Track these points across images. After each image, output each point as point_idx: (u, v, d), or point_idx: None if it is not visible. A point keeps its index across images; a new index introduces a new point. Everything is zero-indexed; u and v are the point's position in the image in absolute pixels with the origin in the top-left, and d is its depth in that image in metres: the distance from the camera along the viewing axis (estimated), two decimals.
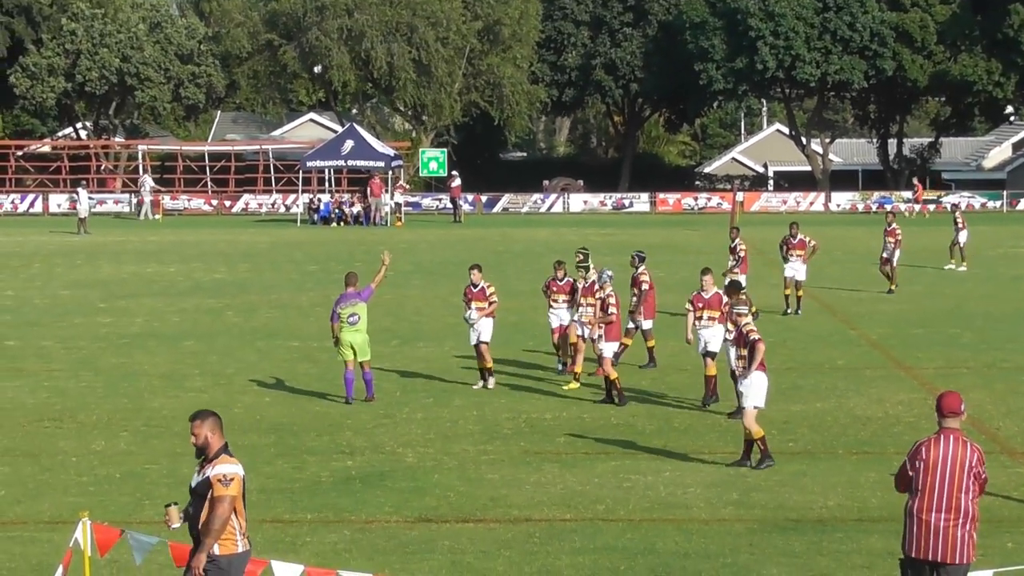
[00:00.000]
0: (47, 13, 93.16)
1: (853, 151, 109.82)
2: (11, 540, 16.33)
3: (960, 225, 48.19)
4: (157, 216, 79.69)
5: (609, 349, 24.57)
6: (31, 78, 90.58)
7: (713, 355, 24.28)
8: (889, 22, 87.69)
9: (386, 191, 74.72)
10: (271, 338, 32.51)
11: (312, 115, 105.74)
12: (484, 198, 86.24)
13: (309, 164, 76.71)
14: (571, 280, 27.06)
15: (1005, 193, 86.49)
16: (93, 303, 39.32)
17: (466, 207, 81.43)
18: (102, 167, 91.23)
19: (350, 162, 75.89)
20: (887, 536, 15.56)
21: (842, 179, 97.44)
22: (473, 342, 26.17)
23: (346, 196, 76.94)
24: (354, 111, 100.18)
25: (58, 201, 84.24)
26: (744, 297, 22.11)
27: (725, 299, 24.13)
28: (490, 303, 25.99)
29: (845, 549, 15.85)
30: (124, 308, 38.07)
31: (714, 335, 24.32)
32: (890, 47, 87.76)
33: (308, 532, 16.66)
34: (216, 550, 11.30)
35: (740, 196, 76.48)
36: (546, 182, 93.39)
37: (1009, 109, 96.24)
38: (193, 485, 11.54)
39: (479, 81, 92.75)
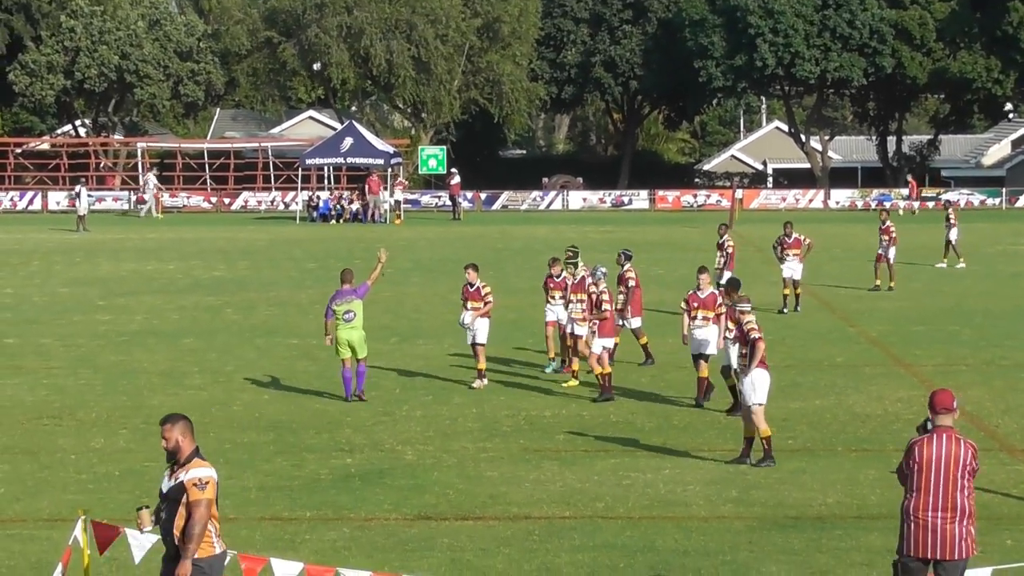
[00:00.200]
0: (46, 10, 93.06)
1: (852, 148, 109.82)
2: (10, 538, 16.33)
3: (952, 222, 48.15)
4: (158, 214, 79.63)
5: (599, 345, 24.58)
6: (30, 75, 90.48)
7: (706, 357, 24.20)
8: (888, 19, 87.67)
9: (385, 188, 74.66)
10: (270, 335, 32.51)
11: (311, 112, 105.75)
12: (483, 195, 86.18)
13: (308, 161, 76.64)
14: (566, 277, 27.19)
15: (1004, 190, 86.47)
16: (92, 301, 39.32)
17: (465, 204, 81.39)
18: (101, 164, 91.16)
19: (349, 159, 75.79)
20: (886, 533, 15.53)
21: (841, 176, 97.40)
22: (469, 342, 26.19)
23: (346, 193, 76.90)
24: (353, 108, 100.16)
25: (57, 198, 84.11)
26: (744, 295, 22.07)
27: (720, 299, 24.11)
28: (486, 303, 25.93)
29: (844, 546, 15.85)
30: (123, 306, 38.07)
31: (708, 335, 24.24)
32: (889, 44, 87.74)
33: (307, 530, 16.66)
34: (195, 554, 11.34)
35: (739, 193, 76.47)
36: (545, 179, 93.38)
37: (1008, 106, 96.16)
38: (164, 490, 11.51)
39: (478, 78, 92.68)
